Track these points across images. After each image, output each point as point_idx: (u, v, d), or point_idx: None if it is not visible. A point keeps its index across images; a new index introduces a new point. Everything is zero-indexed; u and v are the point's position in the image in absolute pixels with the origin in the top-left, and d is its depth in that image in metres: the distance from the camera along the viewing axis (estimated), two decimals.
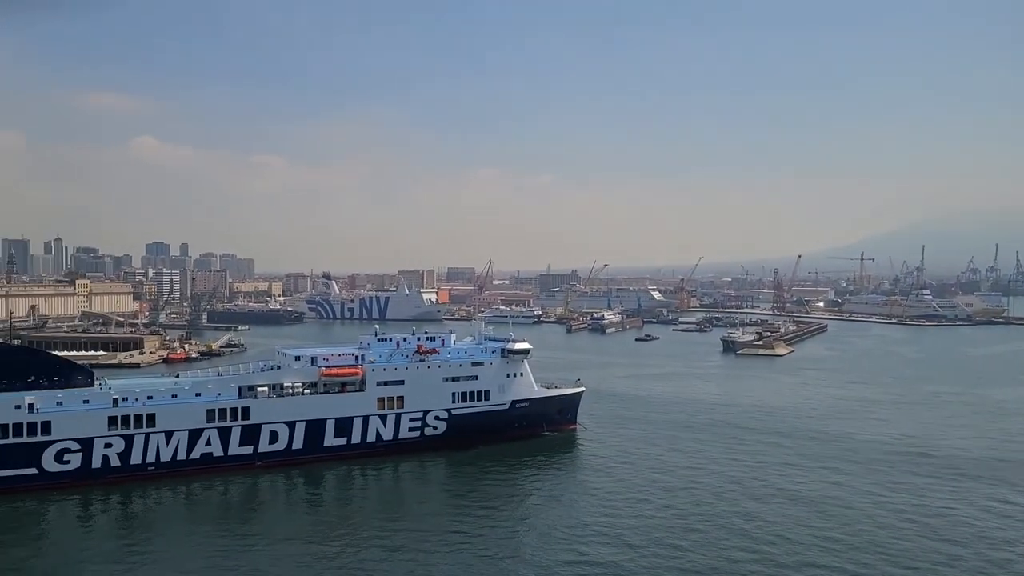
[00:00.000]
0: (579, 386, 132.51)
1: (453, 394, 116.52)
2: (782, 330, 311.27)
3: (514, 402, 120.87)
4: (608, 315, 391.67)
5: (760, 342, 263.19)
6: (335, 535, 78.01)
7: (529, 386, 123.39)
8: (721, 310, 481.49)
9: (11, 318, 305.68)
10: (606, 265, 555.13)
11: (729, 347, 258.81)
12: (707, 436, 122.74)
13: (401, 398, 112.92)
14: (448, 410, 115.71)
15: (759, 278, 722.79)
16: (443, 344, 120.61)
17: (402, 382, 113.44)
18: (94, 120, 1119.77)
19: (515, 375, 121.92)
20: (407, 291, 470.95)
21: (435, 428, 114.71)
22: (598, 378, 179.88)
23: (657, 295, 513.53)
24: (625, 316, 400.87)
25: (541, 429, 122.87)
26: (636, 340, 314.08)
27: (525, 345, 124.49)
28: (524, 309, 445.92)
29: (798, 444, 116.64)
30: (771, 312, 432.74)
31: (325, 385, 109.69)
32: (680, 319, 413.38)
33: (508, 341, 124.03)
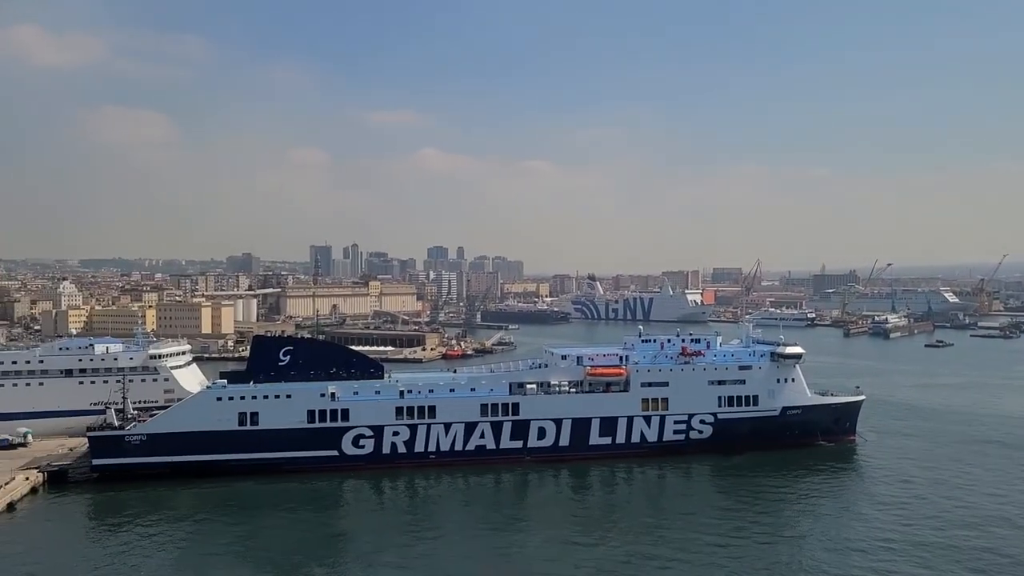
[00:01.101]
0: (858, 394, 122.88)
1: (719, 398, 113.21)
2: None
3: (785, 408, 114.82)
4: (892, 318, 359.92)
5: None
6: (598, 530, 78.98)
7: (802, 392, 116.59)
8: None
9: (317, 315, 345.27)
10: (889, 264, 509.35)
11: None
12: (1015, 455, 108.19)
13: (665, 400, 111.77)
14: (714, 414, 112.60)
15: None
16: (708, 346, 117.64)
17: (666, 384, 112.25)
18: (386, 136, 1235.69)
19: (786, 380, 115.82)
20: (671, 292, 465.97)
21: (700, 432, 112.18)
22: (880, 386, 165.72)
23: (951, 297, 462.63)
24: (912, 320, 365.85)
25: (815, 438, 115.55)
26: (926, 346, 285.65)
27: (797, 349, 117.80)
28: (796, 311, 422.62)
29: None
30: None
31: (590, 384, 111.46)
32: (979, 324, 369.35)
33: (778, 344, 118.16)
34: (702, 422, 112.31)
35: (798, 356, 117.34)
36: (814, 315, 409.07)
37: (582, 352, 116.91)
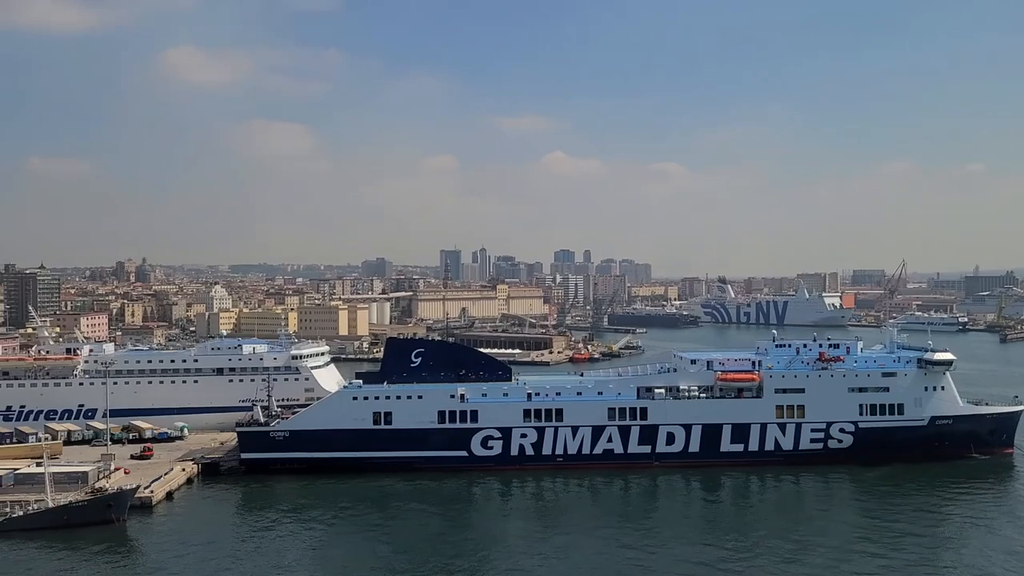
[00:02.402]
0: (1017, 404, 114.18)
1: (860, 406, 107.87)
2: None
3: (934, 418, 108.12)
4: None
5: None
6: (734, 538, 77.02)
7: (952, 401, 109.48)
8: None
9: (447, 318, 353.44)
10: None
11: None
12: None
13: (802, 407, 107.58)
14: (854, 422, 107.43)
15: None
16: (848, 352, 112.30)
17: (803, 390, 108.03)
18: (515, 141, 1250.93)
19: (934, 388, 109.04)
20: (807, 295, 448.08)
21: (840, 441, 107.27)
22: None
23: None
24: None
25: (968, 451, 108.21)
26: None
27: (947, 355, 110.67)
28: (945, 315, 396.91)
29: None
30: None
31: (721, 390, 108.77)
32: None
33: (926, 350, 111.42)
34: (841, 431, 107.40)
35: (948, 363, 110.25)
36: (966, 319, 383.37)
37: (712, 356, 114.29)
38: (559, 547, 76.39)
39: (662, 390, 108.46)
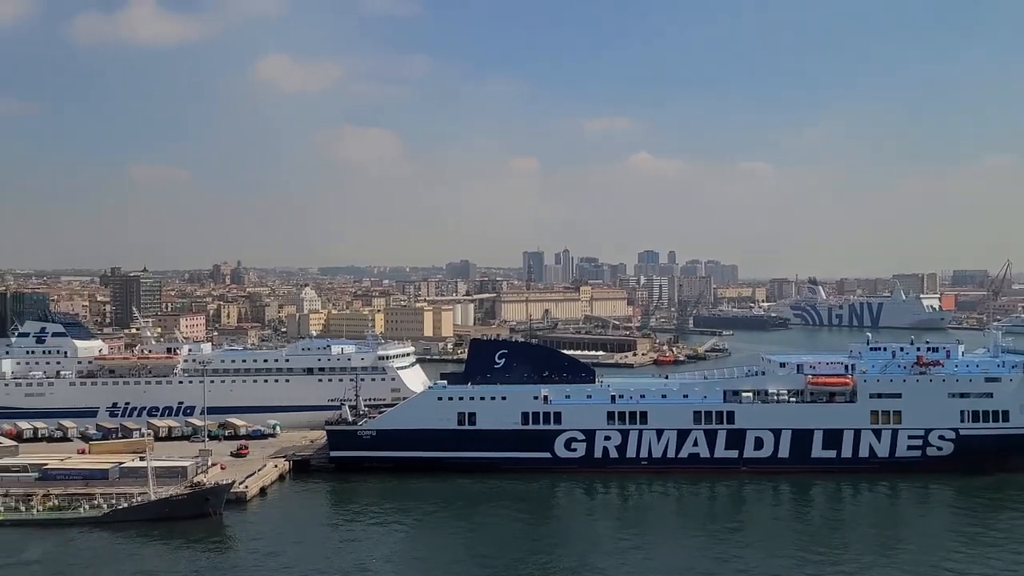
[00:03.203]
0: None
1: (961, 412, 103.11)
2: None
3: None
4: None
5: None
6: (826, 547, 74.81)
7: None
8: None
9: (530, 319, 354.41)
10: None
11: None
12: None
13: (898, 413, 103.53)
14: (955, 429, 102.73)
15: None
16: (948, 356, 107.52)
17: (899, 395, 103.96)
18: (599, 142, 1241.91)
19: None
20: (903, 296, 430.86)
21: (939, 448, 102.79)
22: None
23: None
24: None
25: None
26: None
27: None
28: None
29: None
30: None
31: (812, 394, 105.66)
32: None
33: None
34: (941, 438, 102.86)
35: None
36: None
37: (803, 360, 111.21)
38: (643, 551, 75.65)
39: (750, 394, 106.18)
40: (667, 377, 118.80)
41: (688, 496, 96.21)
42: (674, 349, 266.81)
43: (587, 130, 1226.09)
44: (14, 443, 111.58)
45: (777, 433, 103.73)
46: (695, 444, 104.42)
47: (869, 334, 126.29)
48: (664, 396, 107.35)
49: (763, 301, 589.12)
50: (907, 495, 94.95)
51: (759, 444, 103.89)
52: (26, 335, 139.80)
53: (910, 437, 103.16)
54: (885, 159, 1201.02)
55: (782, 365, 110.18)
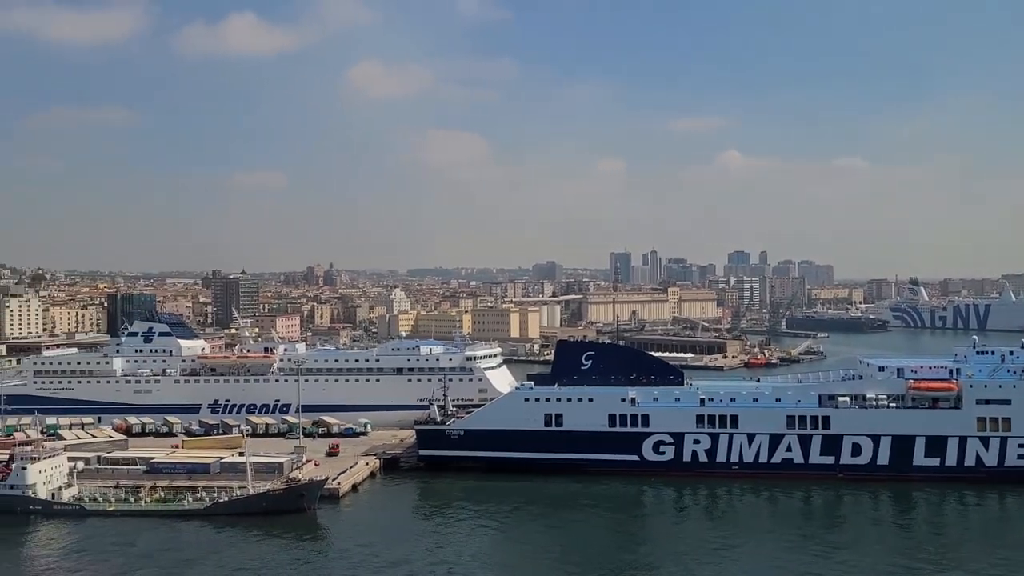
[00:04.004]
0: None
1: None
2: None
3: None
4: None
5: None
6: (934, 560, 71.80)
7: None
8: None
9: (617, 321, 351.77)
10: None
11: None
12: None
13: (1007, 420, 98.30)
14: None
15: None
16: None
17: (1009, 402, 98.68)
18: (686, 141, 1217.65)
19: None
20: (1013, 297, 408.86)
21: None
22: None
23: None
24: None
25: None
26: None
27: None
28: None
29: None
30: None
31: (913, 399, 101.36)
32: None
33: None
34: None
35: None
36: None
37: (903, 363, 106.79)
38: (734, 558, 74.06)
39: (846, 398, 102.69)
40: (758, 380, 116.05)
41: (782, 503, 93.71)
42: (766, 352, 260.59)
43: (674, 129, 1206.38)
44: (124, 437, 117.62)
45: (876, 439, 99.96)
46: (788, 449, 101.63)
47: (976, 337, 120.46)
48: (756, 400, 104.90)
49: (860, 302, 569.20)
50: (1018, 508, 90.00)
51: (857, 450, 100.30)
52: (135, 335, 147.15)
53: (1020, 445, 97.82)
54: (991, 154, 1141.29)
55: (881, 369, 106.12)
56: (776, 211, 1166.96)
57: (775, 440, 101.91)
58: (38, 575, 71.28)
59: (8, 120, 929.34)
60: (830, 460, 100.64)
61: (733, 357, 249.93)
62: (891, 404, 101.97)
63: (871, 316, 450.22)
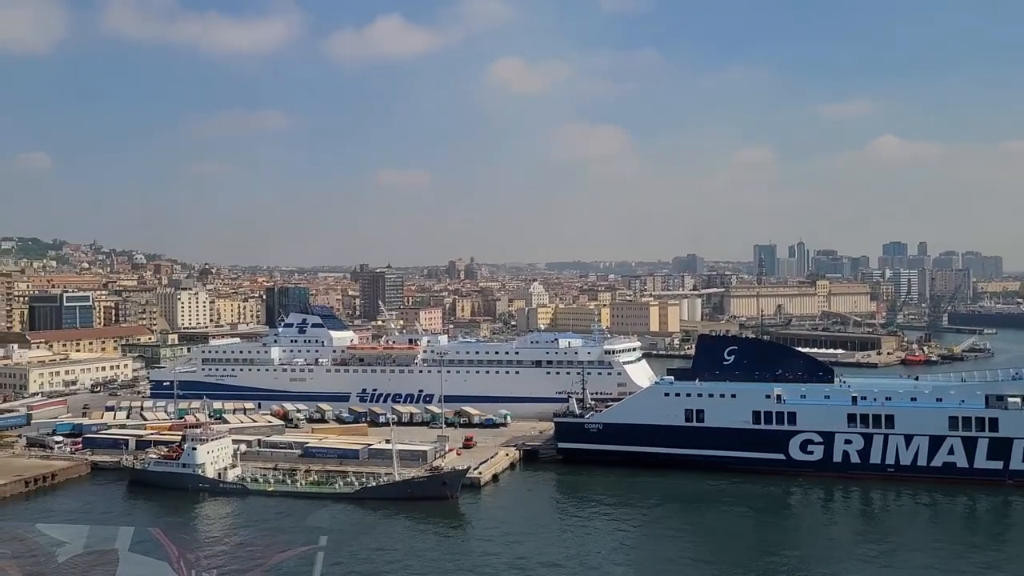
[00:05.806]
0: None
1: None
2: None
3: None
4: None
5: None
6: None
7: None
8: None
9: (761, 315, 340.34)
10: None
11: None
12: None
13: None
14: None
15: None
16: None
17: None
18: (837, 128, 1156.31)
19: None
20: None
21: None
22: None
23: None
24: None
25: None
26: None
27: None
28: None
29: None
30: None
31: None
32: None
33: None
34: None
35: None
36: None
37: None
38: (889, 565, 70.15)
39: (1017, 399, 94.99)
40: (917, 378, 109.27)
41: (943, 509, 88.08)
42: (925, 348, 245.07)
43: (826, 115, 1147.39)
44: (281, 423, 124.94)
45: None
46: (950, 452, 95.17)
47: None
48: (913, 399, 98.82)
49: None
50: None
51: None
52: (290, 326, 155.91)
53: None
54: None
55: None
56: (936, 199, 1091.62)
57: (935, 442, 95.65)
58: (215, 545, 76.18)
59: (178, 125, 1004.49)
60: (998, 465, 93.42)
61: (888, 354, 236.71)
62: None
63: None
